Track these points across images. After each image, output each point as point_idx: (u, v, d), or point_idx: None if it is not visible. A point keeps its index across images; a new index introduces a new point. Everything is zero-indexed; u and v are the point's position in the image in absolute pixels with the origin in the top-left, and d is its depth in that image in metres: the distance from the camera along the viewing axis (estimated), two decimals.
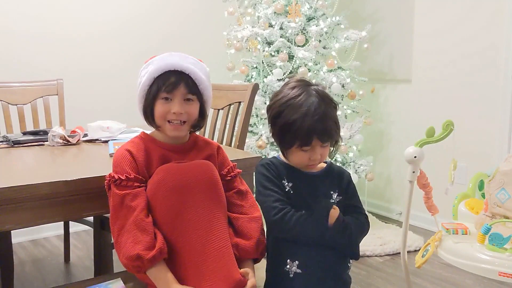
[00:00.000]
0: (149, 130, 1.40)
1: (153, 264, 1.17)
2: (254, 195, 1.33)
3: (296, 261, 1.23)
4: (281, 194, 1.23)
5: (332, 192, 1.28)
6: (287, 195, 1.24)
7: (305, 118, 1.19)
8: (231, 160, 1.43)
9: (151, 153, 1.30)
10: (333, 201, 1.27)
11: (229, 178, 1.37)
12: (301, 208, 1.22)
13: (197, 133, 1.45)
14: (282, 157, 1.31)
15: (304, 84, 1.26)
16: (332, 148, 1.29)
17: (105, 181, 1.26)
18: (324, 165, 1.33)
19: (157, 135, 1.35)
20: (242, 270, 1.25)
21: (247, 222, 1.32)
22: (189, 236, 1.21)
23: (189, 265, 1.20)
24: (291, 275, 1.22)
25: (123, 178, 1.23)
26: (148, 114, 1.30)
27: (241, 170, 1.42)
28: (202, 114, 1.35)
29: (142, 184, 1.25)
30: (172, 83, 1.25)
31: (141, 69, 1.33)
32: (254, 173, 1.33)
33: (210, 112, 2.16)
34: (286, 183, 1.26)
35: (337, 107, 1.28)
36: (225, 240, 1.25)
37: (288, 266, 1.23)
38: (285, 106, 1.23)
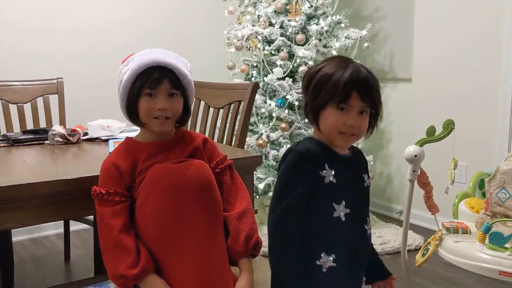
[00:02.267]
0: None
1: (137, 281, 1.17)
2: (273, 191, 1.22)
3: (333, 255, 1.12)
4: (304, 195, 1.10)
5: (364, 175, 1.22)
6: (325, 188, 1.11)
7: (346, 70, 1.09)
8: (230, 159, 1.42)
9: (136, 156, 1.28)
10: (366, 184, 1.22)
11: (218, 170, 1.35)
12: (343, 198, 1.13)
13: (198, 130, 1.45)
14: (317, 136, 1.18)
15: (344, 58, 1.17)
16: (371, 128, 1.16)
17: (92, 194, 1.26)
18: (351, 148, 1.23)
19: (142, 136, 1.34)
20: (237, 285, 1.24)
21: (236, 220, 1.30)
22: (182, 247, 1.20)
23: (180, 276, 1.19)
24: (324, 270, 1.11)
25: (103, 192, 1.23)
26: (132, 112, 1.29)
27: (232, 161, 1.39)
28: (186, 109, 1.34)
29: (123, 198, 1.24)
30: (155, 78, 1.24)
31: (121, 67, 1.31)
32: (280, 163, 1.17)
33: (210, 111, 2.17)
34: (328, 173, 1.12)
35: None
36: (221, 252, 1.24)
37: (322, 260, 1.12)
38: (325, 63, 1.14)
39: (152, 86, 1.24)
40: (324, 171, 1.12)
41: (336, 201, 1.13)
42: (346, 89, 1.08)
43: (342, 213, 1.12)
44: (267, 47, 3.01)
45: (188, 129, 1.89)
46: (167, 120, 1.28)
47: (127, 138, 1.35)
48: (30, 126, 2.38)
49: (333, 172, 1.12)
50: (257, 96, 2.82)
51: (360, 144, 3.24)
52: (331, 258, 1.11)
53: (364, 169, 1.24)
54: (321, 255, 1.11)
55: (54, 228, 3.07)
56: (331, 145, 1.16)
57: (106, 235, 1.21)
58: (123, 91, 1.29)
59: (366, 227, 1.18)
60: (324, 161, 1.13)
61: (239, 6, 3.19)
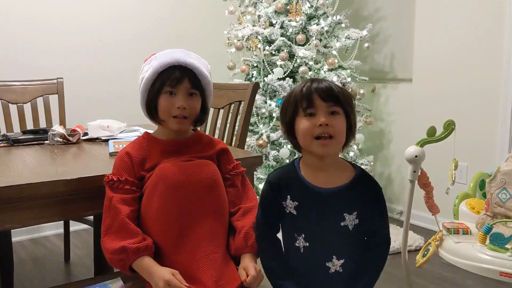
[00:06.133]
0: (151, 129, 1.39)
1: (136, 256, 1.18)
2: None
3: (288, 280, 1.18)
4: (270, 219, 1.21)
5: (346, 214, 1.13)
6: (287, 217, 1.17)
7: (306, 83, 1.15)
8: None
9: (151, 150, 1.31)
10: (344, 224, 1.14)
11: (233, 173, 1.37)
12: (303, 231, 1.16)
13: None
14: (302, 161, 1.21)
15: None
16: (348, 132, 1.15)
17: (104, 182, 1.28)
18: (351, 177, 1.18)
19: (159, 133, 1.36)
20: (243, 266, 1.24)
21: (241, 216, 1.32)
22: (185, 244, 1.22)
23: (179, 268, 1.20)
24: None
25: (115, 179, 1.25)
26: (152, 109, 1.31)
27: (245, 169, 1.41)
28: (204, 109, 1.36)
29: (134, 188, 1.26)
30: (176, 78, 1.27)
31: (144, 65, 1.34)
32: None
33: (211, 112, 2.17)
34: (290, 202, 1.16)
35: (352, 98, 1.18)
36: (221, 250, 1.25)
37: (280, 281, 1.18)
38: (292, 89, 1.22)
39: (173, 85, 1.27)
40: (286, 201, 1.17)
41: (297, 233, 1.16)
42: (306, 95, 1.12)
43: (301, 245, 1.16)
44: (267, 47, 3.01)
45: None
46: (185, 119, 1.30)
47: (145, 132, 1.38)
48: (30, 126, 2.38)
49: (295, 204, 1.15)
50: (258, 96, 2.81)
51: (361, 144, 3.23)
52: (287, 284, 1.17)
53: (355, 207, 1.15)
54: (286, 275, 1.19)
55: (54, 228, 3.07)
56: (313, 168, 1.17)
57: (112, 217, 1.22)
58: (144, 88, 1.31)
59: (329, 265, 1.14)
60: (290, 191, 1.16)
61: (239, 6, 3.19)
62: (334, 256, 1.14)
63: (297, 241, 1.16)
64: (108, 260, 1.21)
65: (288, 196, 1.16)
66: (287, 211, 1.16)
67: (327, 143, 1.12)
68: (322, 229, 1.14)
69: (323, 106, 1.12)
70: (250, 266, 1.22)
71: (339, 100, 1.13)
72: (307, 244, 1.15)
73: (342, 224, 1.14)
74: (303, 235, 1.15)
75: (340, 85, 1.21)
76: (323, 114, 1.12)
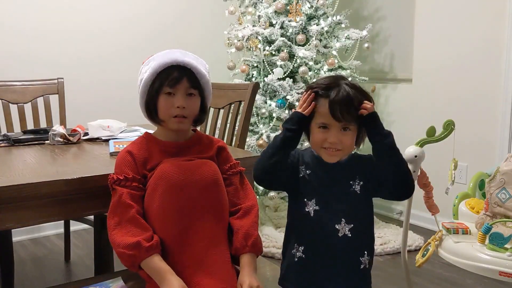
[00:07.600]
0: (151, 130, 1.40)
1: (149, 254, 1.18)
2: None
3: (302, 246, 1.22)
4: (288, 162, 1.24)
5: (352, 182, 1.24)
6: (299, 180, 1.24)
7: (330, 90, 1.19)
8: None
9: (152, 151, 1.31)
10: (353, 188, 1.23)
11: (230, 173, 1.37)
12: (314, 195, 1.22)
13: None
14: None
15: (336, 76, 1.27)
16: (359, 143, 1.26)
17: (108, 183, 1.28)
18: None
19: (159, 134, 1.36)
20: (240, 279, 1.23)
21: (240, 217, 1.32)
22: (186, 244, 1.22)
23: (179, 269, 1.20)
24: (296, 259, 1.22)
25: (121, 178, 1.25)
26: (152, 109, 1.31)
27: (244, 169, 1.41)
28: (203, 108, 1.36)
29: (140, 185, 1.26)
30: (175, 77, 1.27)
31: (142, 66, 1.34)
32: None
33: (211, 112, 2.17)
34: (304, 169, 1.25)
35: (371, 100, 1.25)
36: (222, 250, 1.25)
37: (294, 250, 1.23)
38: (315, 84, 1.25)
39: (172, 85, 1.27)
40: (301, 166, 1.25)
41: (308, 197, 1.22)
42: (324, 109, 1.19)
43: (311, 209, 1.21)
44: (267, 48, 3.01)
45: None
46: (185, 119, 1.30)
47: (145, 132, 1.38)
48: (30, 126, 2.38)
49: (308, 172, 1.24)
50: (258, 97, 2.82)
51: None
52: (301, 249, 1.22)
53: (357, 175, 1.25)
54: (294, 245, 1.23)
55: (54, 228, 3.07)
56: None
57: (122, 213, 1.22)
58: (143, 90, 1.31)
59: (338, 227, 1.20)
60: (305, 161, 1.25)
61: (239, 7, 3.19)
62: (343, 219, 1.20)
63: (307, 206, 1.21)
64: (118, 254, 1.20)
65: (303, 165, 1.25)
66: (301, 175, 1.24)
67: (335, 153, 1.21)
68: (333, 192, 1.22)
69: (336, 125, 1.19)
70: (245, 282, 1.20)
71: (353, 119, 1.20)
72: (318, 207, 1.21)
73: (350, 189, 1.23)
74: (314, 199, 1.21)
75: (356, 90, 1.21)
76: (334, 132, 1.19)
